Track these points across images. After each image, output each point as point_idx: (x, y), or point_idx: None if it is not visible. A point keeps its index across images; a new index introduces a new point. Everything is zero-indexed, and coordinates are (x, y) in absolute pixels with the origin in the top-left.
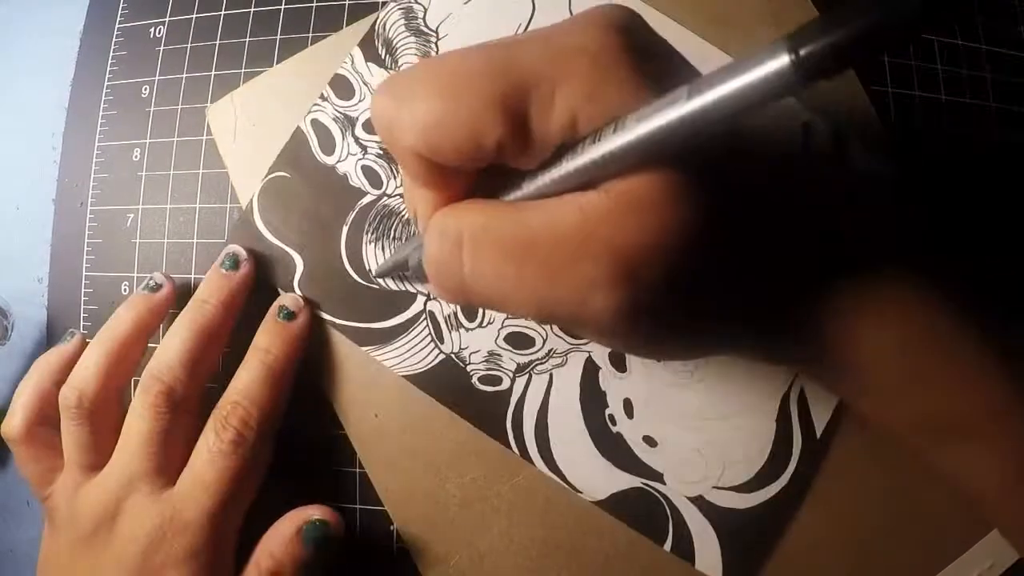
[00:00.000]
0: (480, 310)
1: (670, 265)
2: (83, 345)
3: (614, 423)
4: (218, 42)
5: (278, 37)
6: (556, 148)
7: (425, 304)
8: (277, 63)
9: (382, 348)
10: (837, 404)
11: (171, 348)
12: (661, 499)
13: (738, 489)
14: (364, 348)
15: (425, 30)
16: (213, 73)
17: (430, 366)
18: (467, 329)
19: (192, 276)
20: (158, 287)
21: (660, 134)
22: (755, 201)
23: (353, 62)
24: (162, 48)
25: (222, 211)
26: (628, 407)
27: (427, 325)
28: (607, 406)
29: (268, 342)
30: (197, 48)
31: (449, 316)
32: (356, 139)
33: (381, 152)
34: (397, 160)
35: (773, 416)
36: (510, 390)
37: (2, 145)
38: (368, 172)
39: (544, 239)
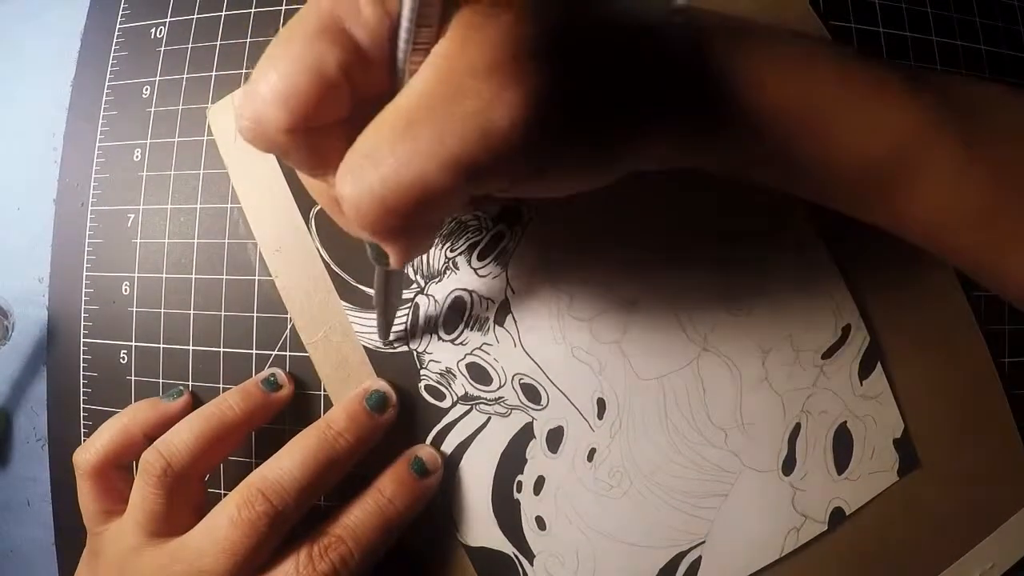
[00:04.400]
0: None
1: (555, 50)
2: (187, 406)
3: (519, 490)
4: (219, 43)
5: None
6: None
7: (415, 295)
8: None
9: (359, 311)
10: None
11: (289, 470)
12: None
13: None
14: (344, 303)
15: None
16: (214, 74)
17: (390, 351)
18: (439, 338)
19: (192, 276)
20: (278, 387)
21: None
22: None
23: None
24: (163, 48)
25: (222, 211)
26: (539, 484)
27: (408, 315)
28: (521, 472)
29: (394, 492)
30: (198, 49)
31: (429, 319)
32: None
33: None
34: (292, 164)
35: (659, 566)
36: (447, 411)
37: (2, 145)
38: None
39: (420, 100)
